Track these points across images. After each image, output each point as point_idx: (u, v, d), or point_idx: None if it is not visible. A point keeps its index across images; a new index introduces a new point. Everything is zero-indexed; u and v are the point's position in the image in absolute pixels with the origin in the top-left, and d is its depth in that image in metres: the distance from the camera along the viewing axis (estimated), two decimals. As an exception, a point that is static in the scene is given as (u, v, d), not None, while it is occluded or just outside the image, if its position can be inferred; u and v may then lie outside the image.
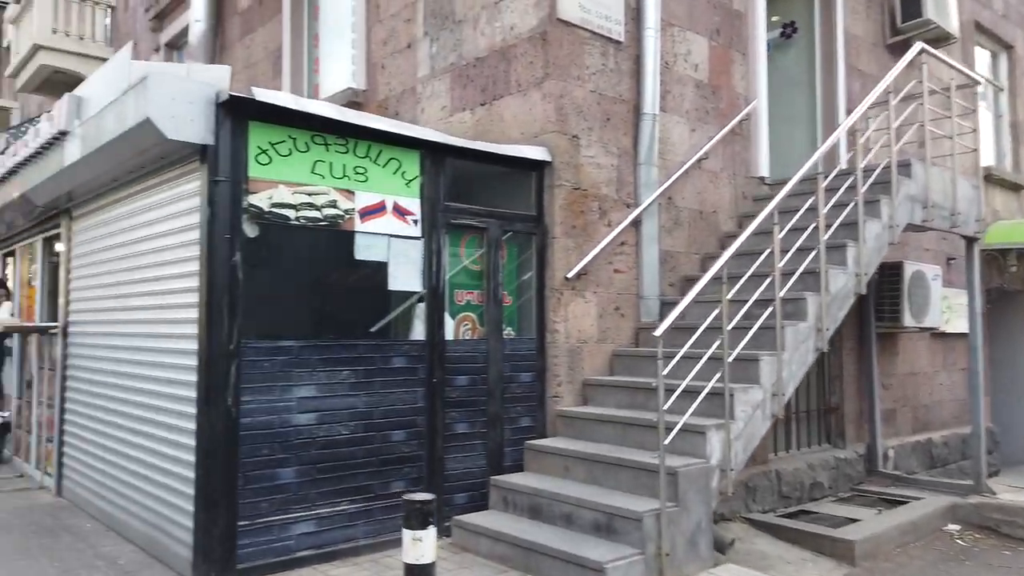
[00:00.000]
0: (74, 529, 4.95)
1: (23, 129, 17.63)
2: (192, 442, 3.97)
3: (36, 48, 11.82)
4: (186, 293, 4.13)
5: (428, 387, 4.64)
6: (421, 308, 4.67)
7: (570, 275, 5.08)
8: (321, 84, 7.78)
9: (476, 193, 5.06)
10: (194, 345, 4.01)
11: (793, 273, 4.78)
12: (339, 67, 7.39)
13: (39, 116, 17.40)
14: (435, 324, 4.70)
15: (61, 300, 5.99)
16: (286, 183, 4.17)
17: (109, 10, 12.59)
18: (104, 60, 12.45)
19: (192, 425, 3.99)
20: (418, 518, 2.96)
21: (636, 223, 5.51)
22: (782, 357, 4.55)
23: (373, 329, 4.49)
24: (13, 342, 7.39)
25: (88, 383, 5.48)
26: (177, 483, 4.12)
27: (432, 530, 2.99)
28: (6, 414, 7.33)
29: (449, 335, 4.78)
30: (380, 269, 4.52)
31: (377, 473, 4.42)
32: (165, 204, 4.42)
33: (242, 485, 3.94)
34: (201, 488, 3.88)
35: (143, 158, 4.34)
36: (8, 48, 15.54)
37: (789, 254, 4.74)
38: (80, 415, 5.60)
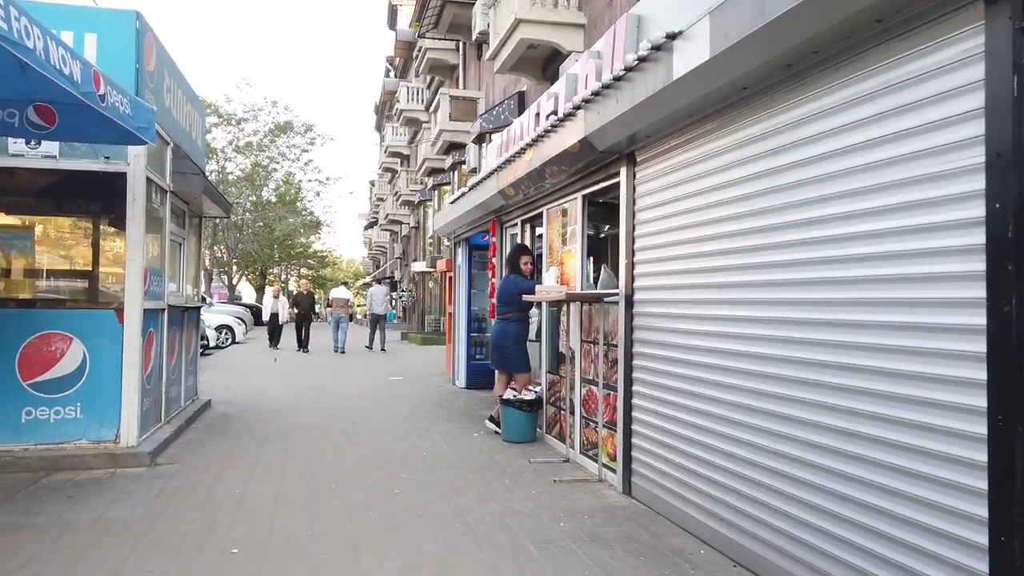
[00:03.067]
0: (688, 556, 3.82)
1: (493, 113, 18.39)
2: (979, 486, 2.36)
3: (517, 23, 11.93)
4: (941, 233, 2.53)
5: None
6: None
7: None
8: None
9: None
10: (970, 318, 2.40)
11: None
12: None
13: (506, 99, 17.98)
14: None
15: (623, 263, 5.03)
16: None
17: (578, -28, 12.22)
18: (575, 25, 12.13)
19: (979, 457, 2.38)
20: None
21: None
22: None
23: None
24: (542, 311, 6.92)
25: (673, 363, 4.37)
26: (954, 522, 2.56)
27: None
28: (537, 388, 6.89)
29: None
30: None
31: None
32: (878, 95, 2.83)
33: (1076, 565, 2.23)
34: (1002, 554, 2.26)
35: (838, 29, 2.85)
36: (478, 37, 16.53)
37: None
38: (660, 402, 4.54)
